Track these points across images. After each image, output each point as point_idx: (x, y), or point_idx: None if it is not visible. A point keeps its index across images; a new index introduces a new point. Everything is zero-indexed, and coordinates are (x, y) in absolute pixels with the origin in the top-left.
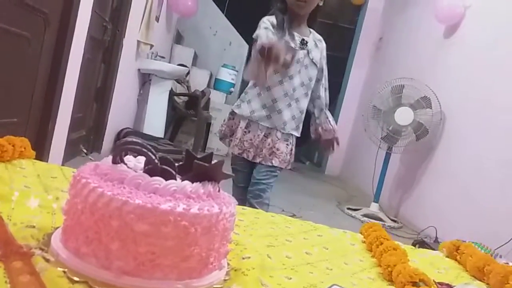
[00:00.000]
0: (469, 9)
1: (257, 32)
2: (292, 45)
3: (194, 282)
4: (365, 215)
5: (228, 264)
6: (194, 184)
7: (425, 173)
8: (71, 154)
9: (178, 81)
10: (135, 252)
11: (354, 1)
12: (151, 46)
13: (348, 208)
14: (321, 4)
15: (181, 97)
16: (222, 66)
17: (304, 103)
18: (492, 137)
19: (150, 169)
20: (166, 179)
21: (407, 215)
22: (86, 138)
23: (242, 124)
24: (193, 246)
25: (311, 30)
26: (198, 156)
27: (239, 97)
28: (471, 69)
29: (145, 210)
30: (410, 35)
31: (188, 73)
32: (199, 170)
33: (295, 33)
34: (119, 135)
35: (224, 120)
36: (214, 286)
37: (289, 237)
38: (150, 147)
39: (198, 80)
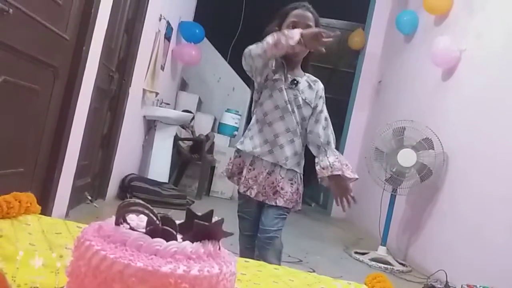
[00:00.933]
0: (464, 52)
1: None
2: (283, 85)
3: None
4: (373, 259)
5: None
6: (195, 244)
7: (431, 214)
8: (76, 201)
9: (182, 126)
10: None
11: (352, 46)
12: (157, 93)
13: (356, 252)
14: (323, 51)
15: (186, 141)
16: (226, 111)
17: (303, 141)
18: (495, 176)
19: (152, 230)
20: (167, 240)
21: (416, 258)
22: (91, 185)
23: (247, 161)
24: None
25: (306, 73)
26: (199, 214)
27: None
28: (470, 110)
29: (146, 273)
30: (409, 78)
31: (193, 118)
32: (199, 229)
33: (288, 74)
34: (124, 181)
35: (230, 159)
36: None
37: None
38: (152, 209)
39: (203, 125)
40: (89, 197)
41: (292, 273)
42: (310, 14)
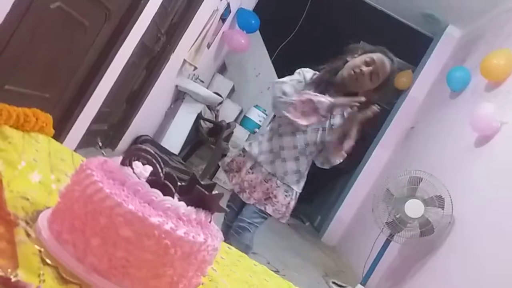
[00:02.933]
0: (505, 125)
1: (282, 79)
2: (319, 105)
3: None
4: None
5: None
6: (189, 207)
7: (420, 272)
8: (86, 143)
9: (209, 107)
10: (112, 255)
11: (397, 85)
12: (195, 68)
13: (333, 282)
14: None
15: (207, 122)
16: (254, 106)
17: (310, 161)
18: (495, 256)
19: (153, 180)
20: (164, 194)
21: None
22: (106, 133)
23: (248, 164)
24: (168, 267)
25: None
26: (202, 182)
27: None
28: (492, 184)
29: (135, 217)
30: (442, 133)
31: (221, 102)
32: (198, 195)
33: (327, 96)
34: (137, 140)
35: (232, 154)
36: None
37: None
38: (160, 161)
39: (228, 112)
40: (100, 144)
41: (269, 275)
42: (388, 66)
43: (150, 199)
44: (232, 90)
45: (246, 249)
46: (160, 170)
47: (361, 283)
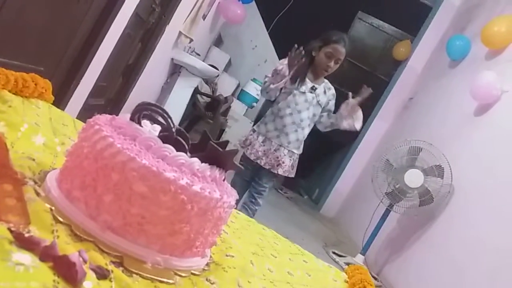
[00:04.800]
0: (506, 94)
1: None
2: (302, 89)
3: (174, 260)
4: (347, 264)
5: (211, 256)
6: (203, 164)
7: (418, 241)
8: (84, 118)
9: (206, 81)
10: (126, 211)
11: (395, 56)
12: (191, 40)
13: (333, 252)
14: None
15: (204, 97)
16: (252, 80)
17: (307, 131)
18: (495, 224)
19: (165, 136)
20: (177, 151)
21: (389, 277)
22: (103, 108)
23: (260, 139)
24: (185, 223)
25: (325, 80)
26: (215, 141)
27: (258, 113)
28: (492, 152)
29: (149, 172)
30: (441, 102)
31: (217, 76)
32: (212, 152)
33: (308, 80)
34: (134, 115)
35: (245, 136)
36: (193, 271)
37: (275, 252)
38: (170, 116)
39: (225, 86)
40: None
41: (278, 238)
42: (344, 51)
43: (163, 155)
44: (229, 63)
45: (255, 211)
46: (171, 125)
47: (361, 253)
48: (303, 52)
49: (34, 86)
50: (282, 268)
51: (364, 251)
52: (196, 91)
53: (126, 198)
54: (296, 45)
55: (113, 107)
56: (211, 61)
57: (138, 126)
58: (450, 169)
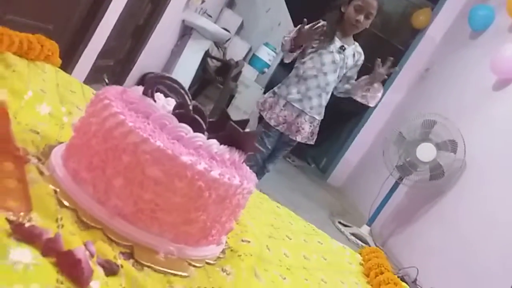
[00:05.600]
0: None
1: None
2: (330, 48)
3: (189, 250)
4: (353, 234)
5: (226, 242)
6: (222, 146)
7: (426, 215)
8: (93, 80)
9: (216, 44)
10: (138, 197)
11: (414, 24)
12: (202, 1)
13: (339, 222)
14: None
15: (215, 61)
16: (264, 44)
17: (330, 96)
18: (506, 201)
19: (181, 114)
20: (194, 130)
21: (394, 249)
22: (112, 70)
23: (281, 103)
24: (201, 211)
25: (356, 43)
26: (234, 120)
27: (269, 80)
28: (508, 128)
29: (164, 155)
30: (459, 75)
31: (229, 39)
32: (232, 133)
33: (337, 39)
34: (144, 77)
35: (264, 97)
36: (207, 260)
37: (290, 233)
38: (187, 91)
39: (236, 50)
40: (106, 80)
41: (292, 217)
42: (375, 3)
43: (179, 135)
44: (241, 26)
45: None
46: (188, 101)
47: (367, 224)
48: (323, 27)
49: (40, 48)
50: (298, 252)
51: (370, 222)
52: (207, 54)
53: (138, 183)
54: (305, 20)
55: (122, 69)
56: (222, 24)
57: (151, 101)
58: (464, 144)
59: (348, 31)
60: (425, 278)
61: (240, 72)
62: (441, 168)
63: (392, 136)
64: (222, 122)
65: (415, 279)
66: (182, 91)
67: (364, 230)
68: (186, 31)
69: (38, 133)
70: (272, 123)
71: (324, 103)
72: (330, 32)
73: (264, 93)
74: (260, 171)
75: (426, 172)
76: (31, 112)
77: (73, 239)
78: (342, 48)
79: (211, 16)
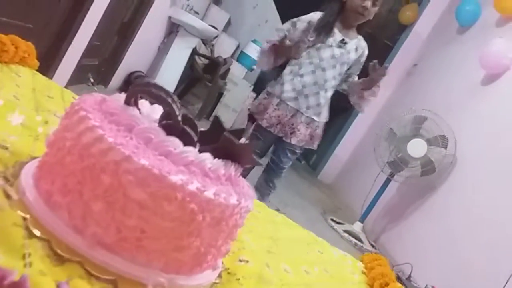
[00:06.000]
0: None
1: (281, 26)
2: (329, 43)
3: (182, 280)
4: (346, 231)
5: (222, 263)
6: (215, 160)
7: (417, 210)
8: (77, 79)
9: (203, 41)
10: (121, 223)
11: (401, 20)
12: None
13: (332, 220)
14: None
15: (202, 58)
16: (252, 41)
17: (330, 94)
18: (495, 196)
19: (168, 126)
20: (185, 144)
21: (386, 245)
22: (97, 69)
23: (274, 102)
24: (194, 237)
25: (359, 36)
26: (228, 129)
27: (258, 77)
28: (497, 122)
29: (150, 175)
30: (447, 70)
31: (216, 37)
32: (227, 145)
33: (337, 32)
34: (130, 77)
35: (258, 98)
36: None
37: (289, 245)
38: (175, 99)
39: (224, 47)
40: (92, 80)
41: (290, 225)
42: None
43: (167, 151)
44: (228, 23)
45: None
46: (177, 111)
47: (359, 220)
48: (287, 42)
49: (14, 50)
50: (299, 266)
51: (362, 219)
52: (194, 52)
53: (120, 207)
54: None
55: (108, 68)
56: (210, 21)
57: (135, 110)
58: (455, 139)
59: (352, 21)
60: (418, 274)
61: (228, 70)
62: (432, 163)
63: (383, 132)
64: (214, 131)
65: (409, 275)
66: (169, 99)
67: (357, 227)
68: (173, 28)
69: (7, 148)
70: (264, 123)
71: (323, 102)
72: (329, 24)
73: (254, 90)
74: (262, 188)
75: (418, 168)
76: (0, 123)
77: (43, 280)
78: (343, 42)
79: (198, 13)
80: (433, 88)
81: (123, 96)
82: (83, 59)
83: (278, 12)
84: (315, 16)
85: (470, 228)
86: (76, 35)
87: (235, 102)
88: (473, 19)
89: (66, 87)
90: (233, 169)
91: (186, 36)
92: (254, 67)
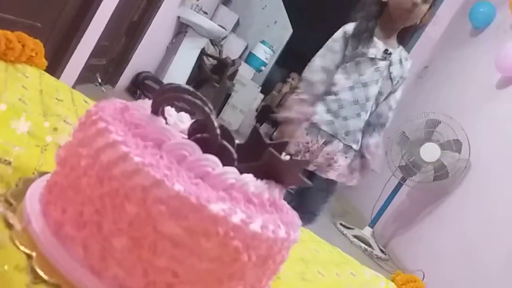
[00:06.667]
0: None
1: (312, 77)
2: (371, 54)
3: None
4: (355, 236)
5: None
6: (258, 182)
7: (429, 216)
8: (85, 79)
9: (212, 42)
10: (149, 264)
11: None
12: None
13: (341, 224)
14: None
15: (211, 59)
16: (261, 42)
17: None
18: (509, 203)
19: (204, 140)
20: (223, 163)
21: (396, 250)
22: (105, 69)
23: (304, 124)
24: (237, 280)
25: (401, 46)
26: (270, 142)
27: (266, 78)
28: None
29: (185, 204)
30: (460, 73)
31: (225, 37)
32: (273, 163)
33: (378, 40)
34: (138, 77)
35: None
36: None
37: (320, 268)
38: (212, 109)
39: (232, 48)
40: (99, 79)
41: (317, 242)
42: None
43: (204, 171)
44: (237, 23)
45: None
46: (215, 124)
47: (369, 225)
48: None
49: (21, 48)
50: None
51: (372, 224)
52: (203, 52)
53: (148, 244)
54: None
55: (116, 68)
56: (218, 21)
57: (163, 121)
58: (469, 144)
59: (397, 24)
60: (430, 281)
61: (236, 71)
62: (446, 168)
63: (395, 136)
64: (253, 145)
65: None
66: (207, 109)
67: (367, 232)
68: (182, 29)
69: (10, 163)
70: (291, 149)
71: (363, 125)
72: (368, 31)
73: (261, 92)
74: None
75: (430, 173)
76: (4, 131)
77: None
78: (386, 53)
79: (206, 13)
80: (446, 91)
81: (147, 102)
82: (91, 59)
83: (287, 13)
84: (348, 26)
85: (486, 235)
86: (85, 34)
87: (242, 103)
88: (487, 21)
89: (73, 87)
90: (277, 192)
91: (195, 36)
92: (263, 68)
